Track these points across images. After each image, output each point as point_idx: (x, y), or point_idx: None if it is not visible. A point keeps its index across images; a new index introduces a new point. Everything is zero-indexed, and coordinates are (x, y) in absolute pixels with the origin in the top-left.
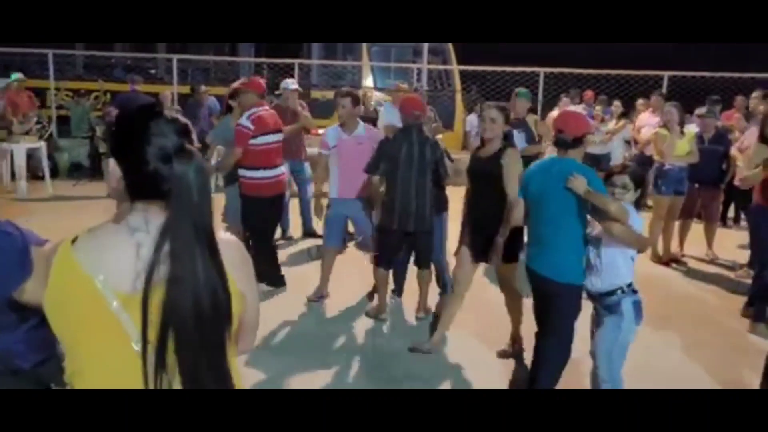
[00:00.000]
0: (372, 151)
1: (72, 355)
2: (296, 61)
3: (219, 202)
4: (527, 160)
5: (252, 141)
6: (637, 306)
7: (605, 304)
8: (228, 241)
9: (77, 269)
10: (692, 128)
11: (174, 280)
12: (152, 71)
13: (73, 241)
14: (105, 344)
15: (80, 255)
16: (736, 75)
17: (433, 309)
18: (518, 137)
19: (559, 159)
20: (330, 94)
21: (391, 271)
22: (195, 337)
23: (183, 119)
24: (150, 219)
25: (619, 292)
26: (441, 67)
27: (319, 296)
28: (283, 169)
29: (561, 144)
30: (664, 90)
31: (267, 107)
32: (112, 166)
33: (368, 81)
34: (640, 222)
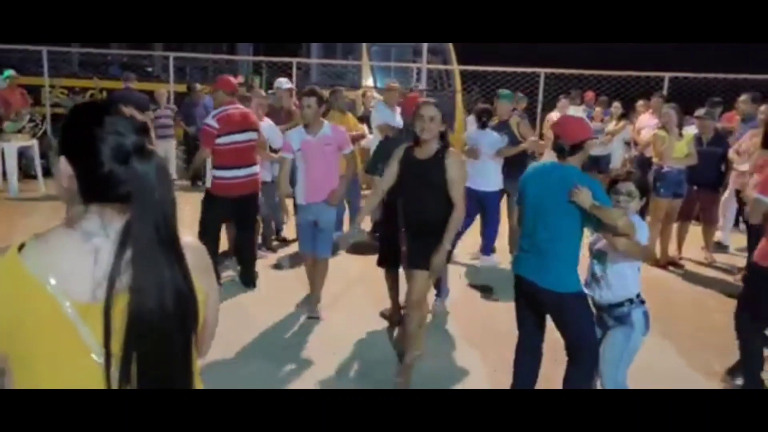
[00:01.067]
0: (338, 152)
1: (24, 373)
2: (294, 60)
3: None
4: (508, 161)
5: (218, 140)
6: (646, 316)
7: (615, 315)
8: (191, 245)
9: (26, 277)
10: (691, 130)
11: (138, 289)
12: (149, 69)
13: (20, 248)
14: (62, 356)
15: (29, 262)
16: (738, 76)
17: (430, 310)
18: (501, 139)
19: (560, 165)
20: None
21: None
22: (161, 348)
23: (141, 117)
24: (107, 222)
25: (628, 303)
26: (441, 66)
27: (314, 314)
28: (257, 168)
29: (559, 150)
30: (664, 91)
31: (239, 106)
32: (62, 164)
33: (368, 81)
34: (646, 230)
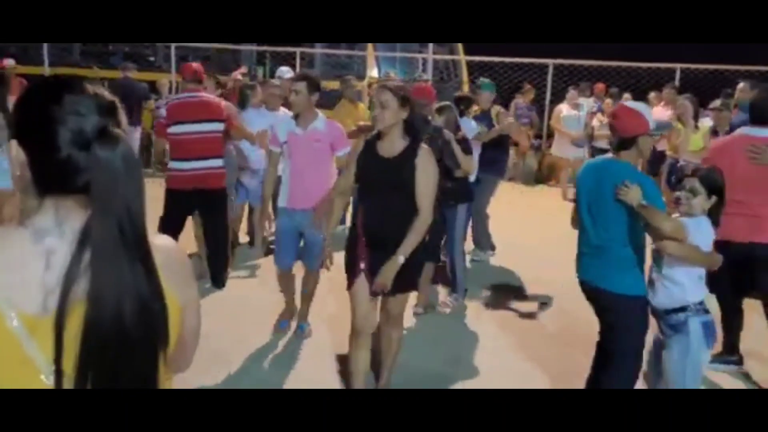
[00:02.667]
0: (330, 152)
1: None
2: (298, 50)
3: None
4: (486, 152)
5: (169, 130)
6: (708, 326)
7: (670, 322)
8: (163, 245)
9: None
10: (706, 122)
11: (95, 298)
12: (151, 59)
13: None
14: (4, 377)
15: None
16: (752, 68)
17: (447, 305)
18: (478, 128)
19: (614, 161)
20: (334, 84)
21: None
22: (122, 367)
23: (109, 95)
24: (63, 219)
25: (684, 310)
26: (447, 57)
27: (303, 328)
28: (212, 162)
29: (611, 144)
30: (676, 83)
31: (200, 94)
32: (14, 149)
33: (373, 71)
34: (710, 235)
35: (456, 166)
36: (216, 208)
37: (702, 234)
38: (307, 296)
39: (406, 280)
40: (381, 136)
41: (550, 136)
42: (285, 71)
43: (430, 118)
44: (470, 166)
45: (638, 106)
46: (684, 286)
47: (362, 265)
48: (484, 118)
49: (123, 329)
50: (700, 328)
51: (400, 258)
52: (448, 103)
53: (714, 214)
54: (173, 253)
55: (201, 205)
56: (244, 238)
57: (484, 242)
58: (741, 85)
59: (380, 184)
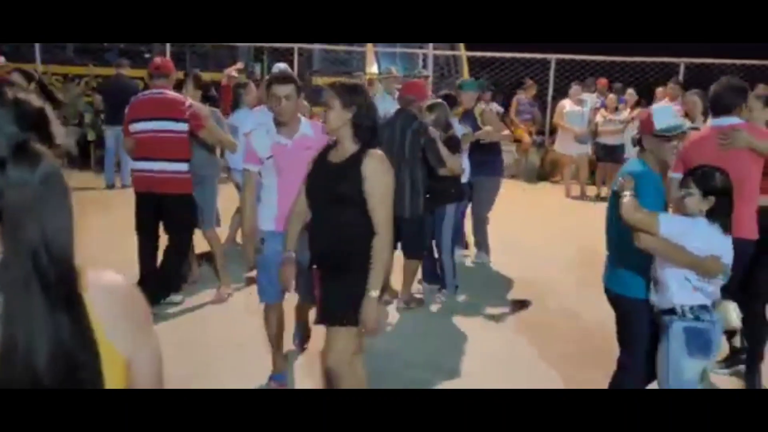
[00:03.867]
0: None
1: None
2: (296, 46)
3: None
4: (475, 155)
5: (129, 127)
6: (692, 333)
7: (661, 323)
8: (109, 284)
9: None
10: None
11: (5, 350)
12: (147, 55)
13: None
14: None
15: None
16: (756, 62)
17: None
18: (462, 128)
19: (632, 159)
20: (332, 81)
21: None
22: None
23: (37, 103)
24: None
25: (670, 313)
26: (448, 52)
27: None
28: (170, 165)
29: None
30: (680, 77)
31: (162, 91)
32: None
33: (372, 67)
34: (708, 238)
35: (440, 165)
36: (172, 217)
37: (697, 236)
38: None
39: (336, 312)
40: (335, 141)
41: (553, 132)
42: (281, 67)
43: (417, 114)
44: (456, 165)
45: (656, 107)
46: (670, 287)
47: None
48: (467, 118)
49: (38, 387)
50: (681, 333)
51: (373, 293)
52: (439, 100)
53: (716, 216)
54: (121, 292)
55: (160, 209)
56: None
57: (484, 246)
58: (762, 86)
59: (320, 195)
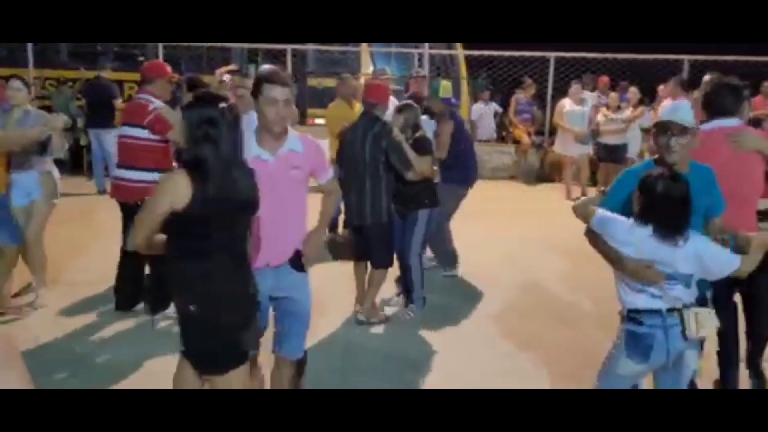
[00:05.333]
0: (306, 181)
1: None
2: (289, 47)
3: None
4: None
5: None
6: (632, 337)
7: None
8: None
9: None
10: None
11: None
12: (140, 59)
13: None
14: None
15: None
16: (761, 59)
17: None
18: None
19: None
20: (327, 82)
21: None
22: None
23: None
24: None
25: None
26: (444, 52)
27: None
28: (127, 173)
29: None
30: (684, 75)
31: (140, 95)
32: None
33: (368, 68)
34: (635, 243)
35: (406, 168)
36: (127, 226)
37: (625, 240)
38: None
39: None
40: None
41: (553, 132)
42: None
43: (380, 116)
44: (426, 167)
45: (668, 104)
46: (617, 289)
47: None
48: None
49: None
50: (623, 336)
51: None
52: (409, 102)
53: (656, 224)
54: None
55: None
56: None
57: (445, 261)
58: (707, 77)
59: None
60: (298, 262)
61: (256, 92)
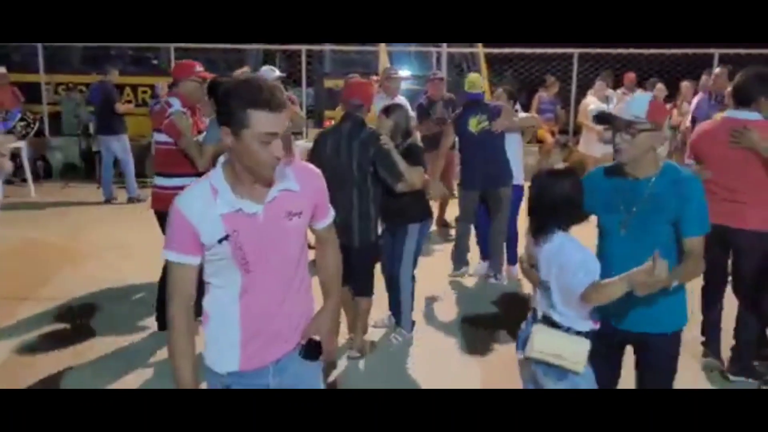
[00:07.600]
0: (306, 226)
1: None
2: (304, 47)
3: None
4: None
5: None
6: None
7: None
8: None
9: None
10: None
11: None
12: (154, 62)
13: None
14: None
15: None
16: None
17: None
18: None
19: None
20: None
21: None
22: None
23: None
24: None
25: None
26: (465, 50)
27: None
28: (158, 180)
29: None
30: (715, 69)
31: (167, 98)
32: None
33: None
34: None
35: (396, 180)
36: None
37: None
38: None
39: None
40: None
41: (577, 132)
42: (268, 70)
43: (365, 120)
44: (418, 179)
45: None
46: None
47: None
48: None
49: None
50: None
51: None
52: (398, 102)
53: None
54: None
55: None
56: None
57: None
58: (718, 70)
59: None
60: (311, 350)
61: (230, 120)
